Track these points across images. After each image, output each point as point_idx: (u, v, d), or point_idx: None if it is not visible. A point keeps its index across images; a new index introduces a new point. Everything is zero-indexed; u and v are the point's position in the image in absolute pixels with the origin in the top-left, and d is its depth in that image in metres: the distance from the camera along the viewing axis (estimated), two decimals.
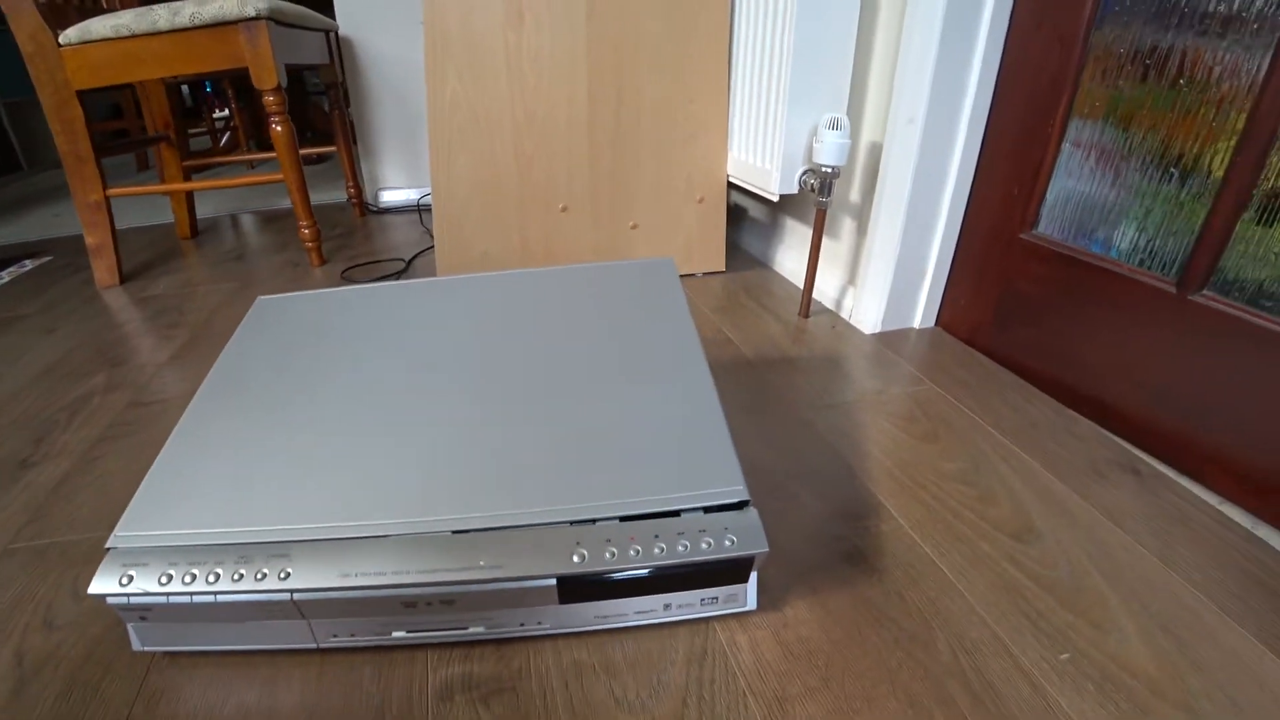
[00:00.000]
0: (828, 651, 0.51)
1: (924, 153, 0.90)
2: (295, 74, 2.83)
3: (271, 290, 1.40)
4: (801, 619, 0.53)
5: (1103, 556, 0.59)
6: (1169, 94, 0.69)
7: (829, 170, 0.96)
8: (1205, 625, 0.52)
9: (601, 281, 0.73)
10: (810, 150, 1.01)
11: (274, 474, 0.55)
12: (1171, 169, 0.70)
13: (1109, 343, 0.77)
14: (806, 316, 1.08)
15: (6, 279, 1.59)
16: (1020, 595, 0.55)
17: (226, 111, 3.25)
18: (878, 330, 1.02)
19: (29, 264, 1.69)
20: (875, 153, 0.99)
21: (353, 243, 1.71)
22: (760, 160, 1.08)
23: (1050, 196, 0.84)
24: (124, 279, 1.51)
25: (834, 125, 0.93)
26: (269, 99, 1.29)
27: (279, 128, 1.32)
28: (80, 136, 1.33)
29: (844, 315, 1.08)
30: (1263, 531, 0.61)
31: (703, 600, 0.51)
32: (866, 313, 1.02)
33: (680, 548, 0.46)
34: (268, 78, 1.26)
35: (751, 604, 0.52)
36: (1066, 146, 0.81)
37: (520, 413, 0.58)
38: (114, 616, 0.59)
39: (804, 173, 1.02)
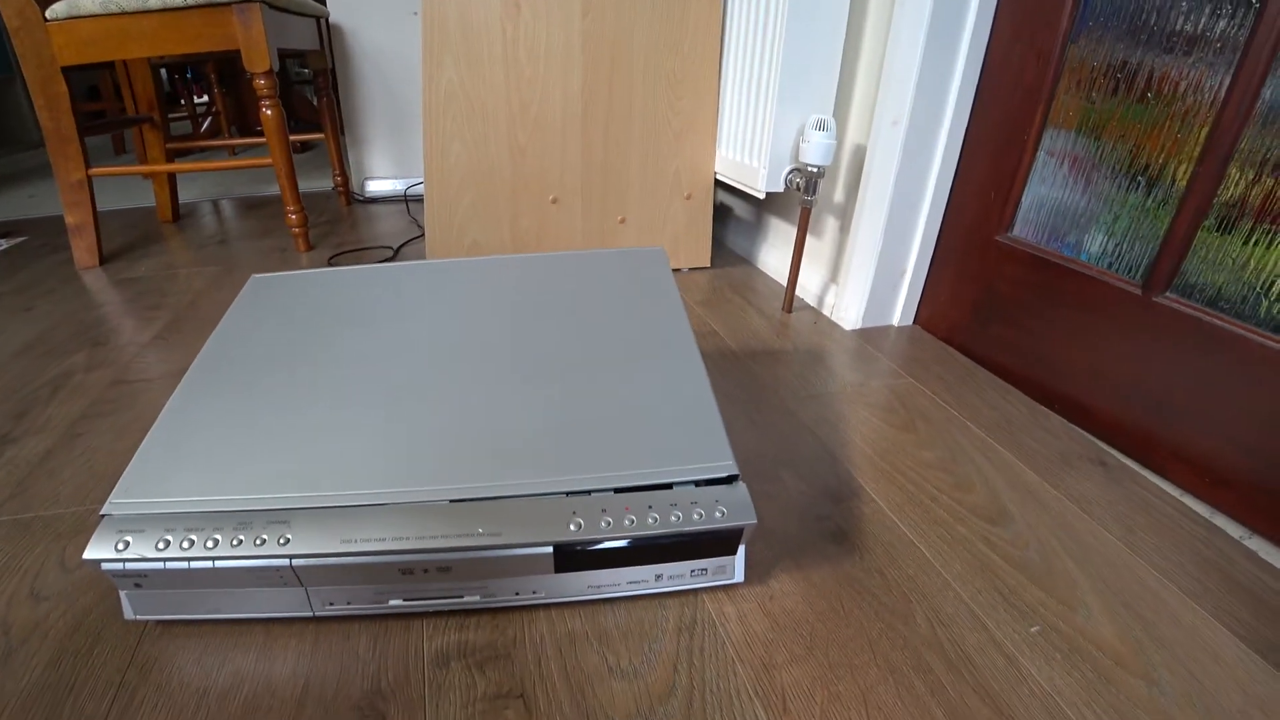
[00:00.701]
0: (811, 622, 0.53)
1: (906, 155, 0.93)
2: (279, 61, 2.81)
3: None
4: (786, 592, 0.55)
5: (1071, 540, 0.62)
6: (1138, 107, 0.73)
7: (814, 170, 0.99)
8: (1166, 605, 0.55)
9: (594, 267, 0.75)
10: (797, 150, 1.04)
11: (271, 444, 0.55)
12: (1139, 178, 0.73)
13: (1079, 342, 0.80)
14: (789, 312, 1.11)
15: None
16: (994, 574, 0.58)
17: (205, 98, 3.22)
18: (858, 326, 1.05)
19: (3, 243, 1.66)
20: (859, 154, 1.02)
21: (338, 230, 1.70)
22: (748, 158, 1.11)
23: (1025, 201, 0.87)
24: (104, 260, 1.49)
25: (820, 126, 0.96)
26: (260, 82, 1.29)
27: (269, 111, 1.31)
28: (64, 114, 1.31)
29: (825, 312, 1.11)
30: (1220, 521, 0.65)
31: (693, 571, 0.53)
32: (847, 309, 1.05)
33: (673, 518, 0.48)
34: (260, 60, 1.26)
35: (739, 577, 0.54)
36: (1041, 154, 0.84)
37: (515, 389, 0.59)
38: (103, 587, 0.59)
39: (790, 171, 1.05)
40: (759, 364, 0.95)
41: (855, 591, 0.56)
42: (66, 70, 1.30)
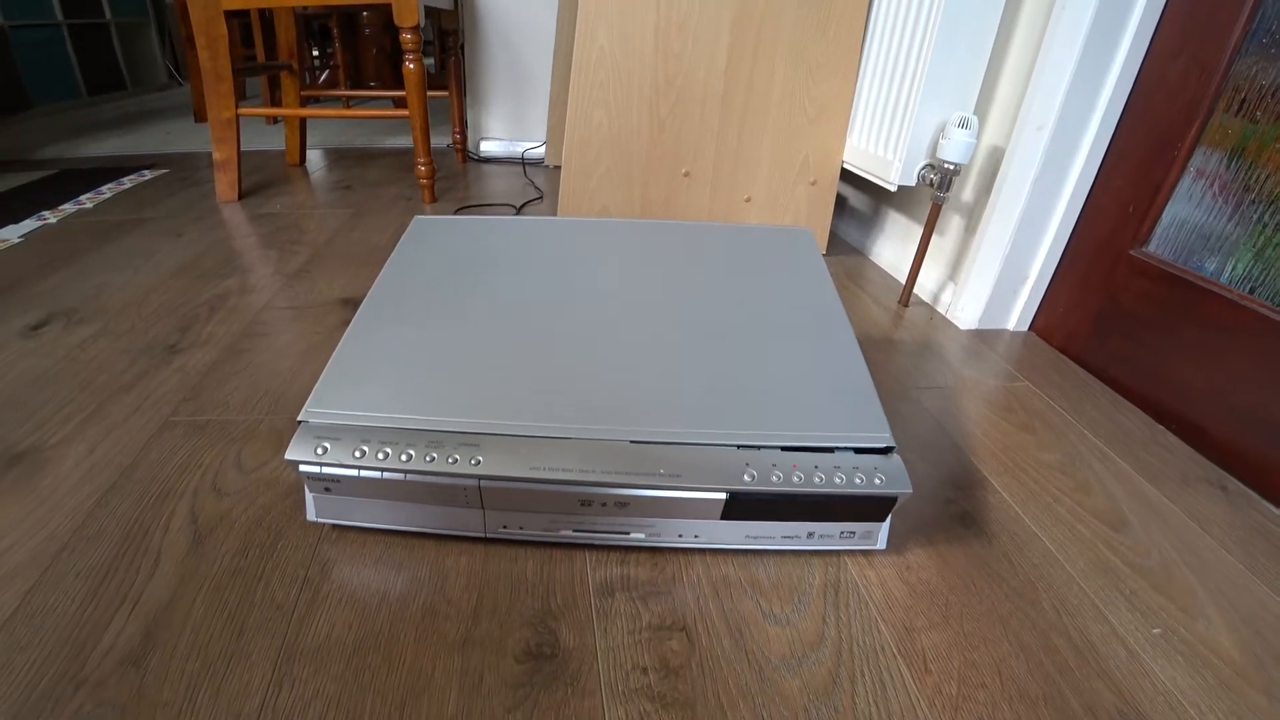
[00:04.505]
0: (946, 594, 0.56)
1: (1047, 160, 0.93)
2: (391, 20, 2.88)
3: (388, 220, 1.47)
4: (921, 564, 0.59)
5: (1190, 554, 0.63)
6: None
7: (951, 167, 1.00)
8: None
9: (746, 240, 0.78)
10: (934, 146, 1.05)
11: (454, 372, 0.59)
12: None
13: (1205, 363, 0.80)
14: (906, 305, 1.13)
15: (129, 184, 1.68)
16: (1115, 575, 0.60)
17: (317, 50, 3.34)
18: (973, 327, 1.06)
19: (148, 174, 1.78)
20: (994, 155, 1.02)
21: (457, 186, 1.77)
22: (882, 150, 1.12)
23: (1166, 217, 0.87)
24: (241, 196, 1.59)
25: (963, 124, 0.96)
26: (406, 37, 1.35)
27: (412, 65, 1.38)
28: (222, 55, 1.40)
29: (940, 309, 1.13)
30: None
31: (842, 534, 0.57)
32: (964, 309, 1.07)
33: (837, 479, 0.52)
34: (409, 15, 1.32)
35: (882, 544, 0.58)
36: (1191, 171, 0.84)
37: (683, 344, 0.63)
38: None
39: (924, 167, 1.06)
40: (879, 351, 0.97)
41: (985, 572, 0.59)
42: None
